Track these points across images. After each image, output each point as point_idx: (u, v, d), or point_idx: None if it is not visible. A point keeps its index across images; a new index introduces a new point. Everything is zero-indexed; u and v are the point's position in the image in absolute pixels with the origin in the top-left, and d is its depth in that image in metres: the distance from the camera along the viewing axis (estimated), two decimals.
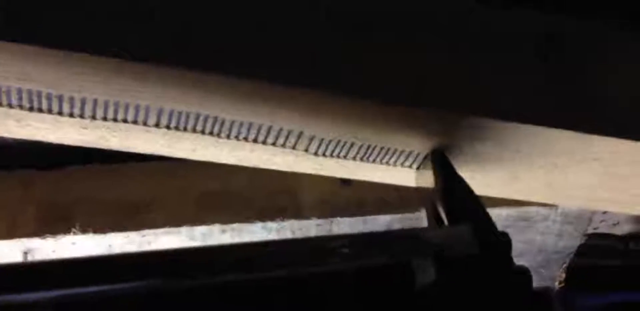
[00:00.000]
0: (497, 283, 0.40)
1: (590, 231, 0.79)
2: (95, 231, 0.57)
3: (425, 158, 0.49)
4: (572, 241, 0.71)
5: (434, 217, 0.45)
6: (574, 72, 0.49)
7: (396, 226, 0.63)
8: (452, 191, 0.45)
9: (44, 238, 0.55)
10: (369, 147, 0.47)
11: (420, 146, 0.47)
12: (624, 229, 0.78)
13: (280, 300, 0.38)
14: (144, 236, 0.58)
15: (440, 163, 0.47)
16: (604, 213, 0.74)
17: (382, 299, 0.39)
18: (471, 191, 0.45)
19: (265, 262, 0.38)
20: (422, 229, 0.46)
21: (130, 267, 0.37)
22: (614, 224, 0.76)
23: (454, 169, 0.47)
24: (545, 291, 0.40)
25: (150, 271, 0.37)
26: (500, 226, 0.66)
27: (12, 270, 0.36)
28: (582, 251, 0.75)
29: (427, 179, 0.48)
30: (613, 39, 0.51)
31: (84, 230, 0.57)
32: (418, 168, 0.50)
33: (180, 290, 0.37)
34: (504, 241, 0.42)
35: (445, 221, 0.44)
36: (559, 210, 0.64)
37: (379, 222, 0.62)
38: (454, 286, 0.39)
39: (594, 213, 0.69)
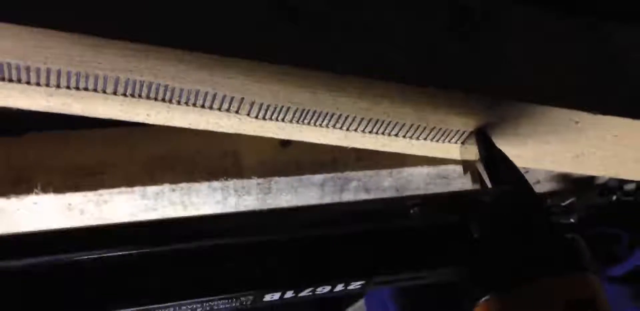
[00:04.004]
0: (538, 232, 0.50)
1: None
2: (55, 191, 0.62)
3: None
4: None
5: (479, 182, 0.55)
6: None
7: (327, 185, 0.70)
8: (494, 161, 0.55)
9: (9, 198, 0.60)
10: (302, 111, 0.54)
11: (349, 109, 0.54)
12: (544, 187, 0.83)
13: (362, 250, 0.47)
14: (100, 195, 0.63)
15: (483, 139, 0.57)
16: (525, 172, 0.82)
17: (449, 244, 0.49)
18: (510, 161, 0.55)
19: (350, 218, 0.48)
20: (475, 190, 0.56)
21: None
22: (535, 183, 0.81)
23: (493, 143, 0.56)
24: (574, 240, 0.50)
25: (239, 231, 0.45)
26: (423, 184, 0.74)
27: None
28: None
29: (471, 153, 0.57)
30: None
31: (44, 190, 0.62)
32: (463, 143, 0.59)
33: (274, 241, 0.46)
34: (538, 197, 0.53)
35: (489, 185, 0.54)
36: None
37: (313, 181, 0.69)
38: (504, 234, 0.49)
39: None
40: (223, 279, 0.43)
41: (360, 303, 1.10)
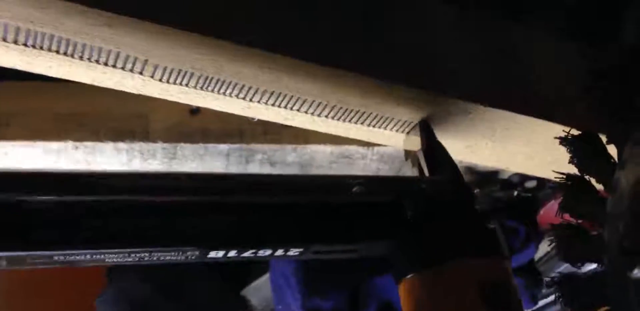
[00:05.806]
0: (463, 217, 0.54)
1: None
2: None
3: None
4: None
5: (418, 170, 0.60)
6: None
7: (233, 155, 0.71)
8: (433, 152, 0.59)
9: None
10: (206, 78, 0.55)
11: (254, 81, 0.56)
12: None
13: (304, 221, 0.51)
14: (2, 147, 0.64)
15: (426, 131, 0.60)
16: None
17: (384, 222, 0.53)
18: (447, 152, 0.59)
19: (298, 190, 0.52)
20: (414, 177, 0.60)
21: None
22: None
23: (434, 136, 0.60)
24: (494, 229, 0.54)
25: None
26: (326, 162, 0.76)
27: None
28: None
29: (414, 143, 0.61)
30: None
31: None
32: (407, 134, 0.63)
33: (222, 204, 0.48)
34: (468, 188, 0.58)
35: (426, 173, 0.58)
36: (375, 150, 0.74)
37: (219, 150, 0.70)
38: (434, 218, 0.53)
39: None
40: (170, 233, 0.46)
41: (265, 277, 1.13)
